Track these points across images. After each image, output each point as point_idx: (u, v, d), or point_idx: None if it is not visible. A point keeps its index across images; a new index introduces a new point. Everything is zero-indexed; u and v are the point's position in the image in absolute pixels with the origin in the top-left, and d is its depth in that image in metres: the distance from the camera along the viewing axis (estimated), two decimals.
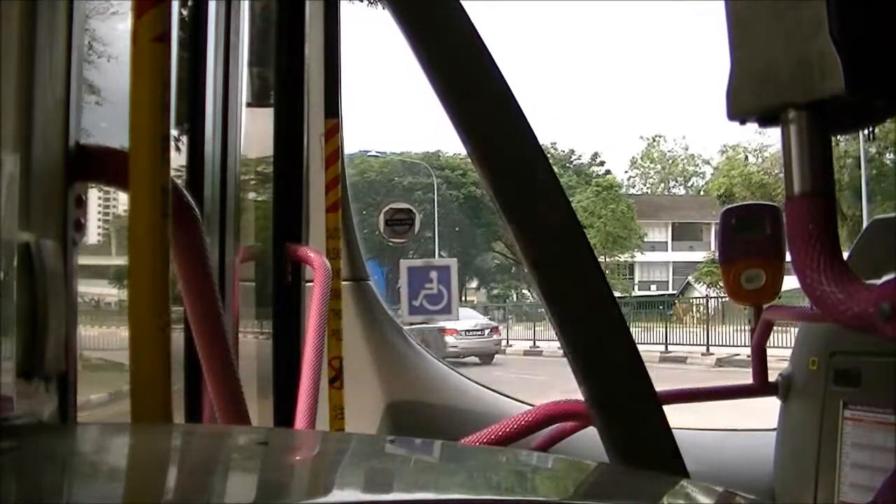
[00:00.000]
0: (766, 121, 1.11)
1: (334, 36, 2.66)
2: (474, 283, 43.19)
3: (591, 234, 38.74)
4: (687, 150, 48.48)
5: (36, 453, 0.78)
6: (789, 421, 2.47)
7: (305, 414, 1.83)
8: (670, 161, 47.72)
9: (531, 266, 1.87)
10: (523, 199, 1.86)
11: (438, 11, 1.84)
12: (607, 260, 40.27)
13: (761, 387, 2.48)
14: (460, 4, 1.84)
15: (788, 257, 1.13)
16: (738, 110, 1.13)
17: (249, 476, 0.76)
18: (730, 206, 2.54)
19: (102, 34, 1.24)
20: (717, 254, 2.57)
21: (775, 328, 2.45)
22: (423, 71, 1.85)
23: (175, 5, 1.04)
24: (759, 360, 2.48)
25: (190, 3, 1.99)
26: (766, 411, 2.70)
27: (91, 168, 1.06)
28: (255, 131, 2.56)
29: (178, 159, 1.93)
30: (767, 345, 2.48)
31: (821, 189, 1.06)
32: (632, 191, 45.61)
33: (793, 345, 2.51)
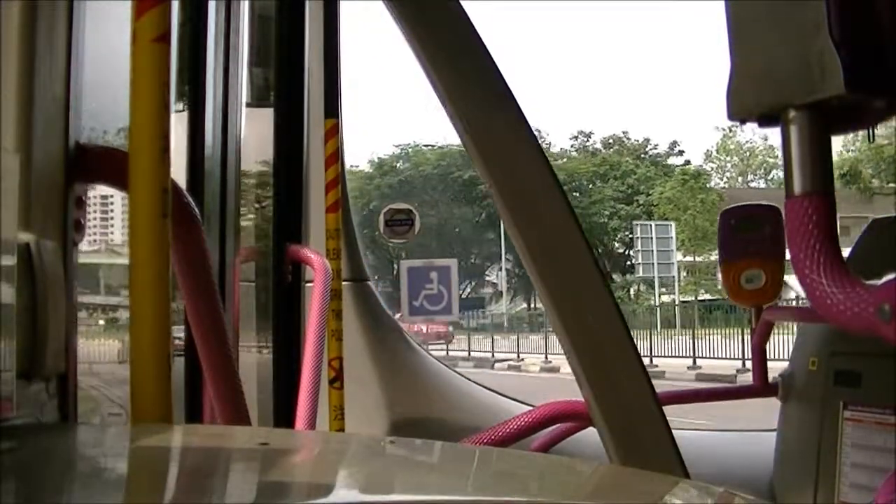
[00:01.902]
0: (766, 121, 1.11)
1: (334, 36, 2.66)
2: None
3: (678, 228, 34.71)
4: (766, 140, 43.07)
5: (36, 453, 0.78)
6: (789, 421, 2.47)
7: (305, 414, 1.83)
8: (748, 153, 42.78)
9: (531, 266, 1.87)
10: (523, 199, 1.87)
11: (436, 11, 1.84)
12: (697, 259, 35.70)
13: (761, 387, 2.48)
14: (458, 4, 1.84)
15: (789, 257, 1.13)
16: (739, 111, 1.13)
17: (249, 476, 0.76)
18: (729, 206, 2.54)
19: None
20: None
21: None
22: (423, 69, 1.86)
23: (175, 6, 1.04)
24: (760, 360, 2.49)
25: (190, 4, 2.00)
26: None
27: (91, 168, 1.06)
28: (254, 132, 2.57)
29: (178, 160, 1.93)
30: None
31: (821, 189, 1.06)
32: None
33: (792, 345, 2.52)
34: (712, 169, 42.05)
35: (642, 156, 38.93)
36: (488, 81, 1.83)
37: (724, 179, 42.16)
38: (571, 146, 39.45)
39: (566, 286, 1.86)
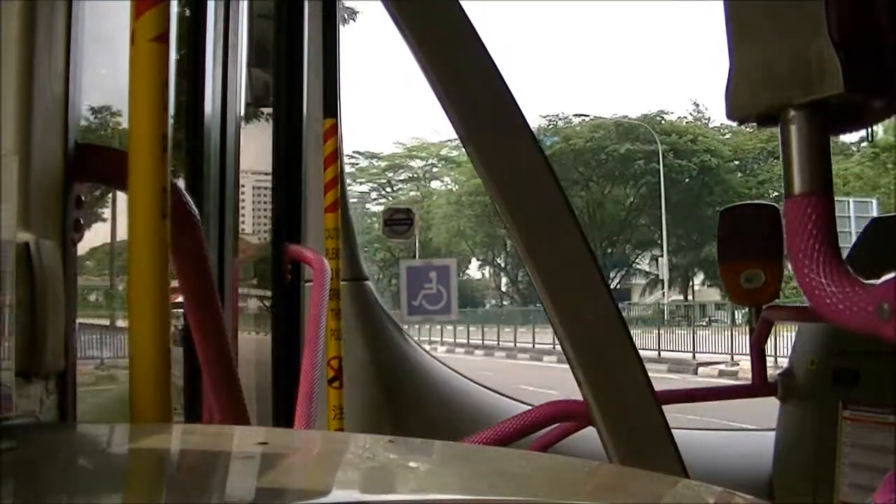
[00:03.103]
0: (765, 121, 1.11)
1: (333, 36, 2.66)
2: (699, 278, 34.30)
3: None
4: None
5: (35, 453, 0.78)
6: (788, 421, 2.47)
7: (304, 414, 1.83)
8: None
9: (531, 265, 1.87)
10: (520, 195, 1.86)
11: (433, 10, 1.84)
12: None
13: (760, 386, 2.49)
14: (457, 3, 1.84)
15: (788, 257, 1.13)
16: (738, 110, 1.13)
17: (249, 476, 0.76)
18: (728, 206, 2.55)
19: None
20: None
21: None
22: (421, 68, 1.85)
23: (174, 6, 1.04)
24: (759, 359, 2.49)
25: (189, 4, 2.00)
26: None
27: (91, 168, 1.06)
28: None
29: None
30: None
31: (820, 189, 1.06)
32: None
33: (792, 345, 2.52)
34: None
35: None
36: (486, 80, 1.83)
37: None
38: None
39: (566, 285, 1.86)
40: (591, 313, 1.85)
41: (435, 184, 39.57)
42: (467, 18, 1.81)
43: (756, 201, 2.65)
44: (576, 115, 32.89)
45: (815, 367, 2.33)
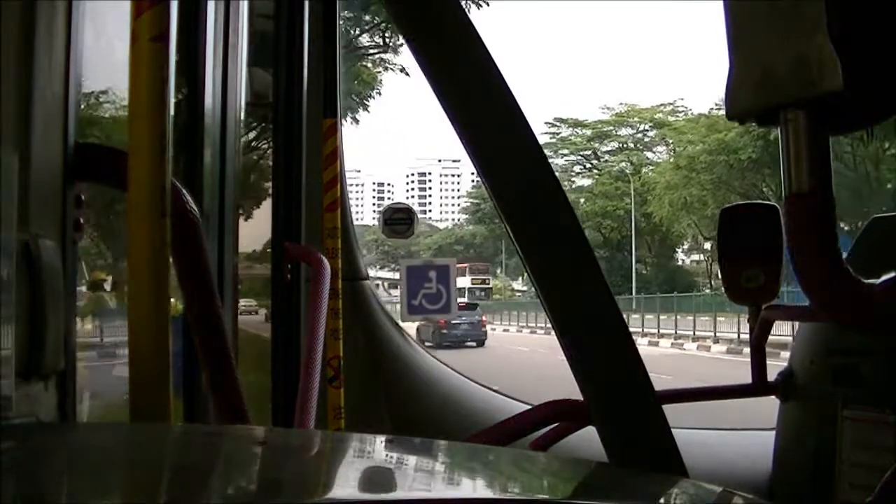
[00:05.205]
0: (765, 120, 1.11)
1: (334, 35, 2.66)
2: None
3: None
4: None
5: (35, 453, 0.78)
6: (788, 420, 2.47)
7: (304, 413, 1.83)
8: None
9: (532, 270, 1.87)
10: (524, 205, 1.86)
11: (437, 15, 1.84)
12: None
13: (760, 386, 2.48)
14: (460, 6, 1.84)
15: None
16: (738, 110, 1.13)
17: (248, 475, 0.76)
18: (728, 205, 2.55)
19: None
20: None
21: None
22: (424, 73, 1.85)
23: (174, 5, 1.04)
24: (758, 358, 2.49)
25: (189, 3, 1.99)
26: None
27: (91, 168, 1.06)
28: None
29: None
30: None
31: (819, 188, 1.06)
32: None
33: (791, 344, 2.52)
34: None
35: None
36: (487, 80, 1.83)
37: None
38: None
39: (565, 284, 1.86)
40: (591, 312, 1.85)
41: (648, 154, 36.71)
42: (468, 18, 1.81)
43: (756, 201, 2.64)
44: None
45: (814, 367, 2.32)
